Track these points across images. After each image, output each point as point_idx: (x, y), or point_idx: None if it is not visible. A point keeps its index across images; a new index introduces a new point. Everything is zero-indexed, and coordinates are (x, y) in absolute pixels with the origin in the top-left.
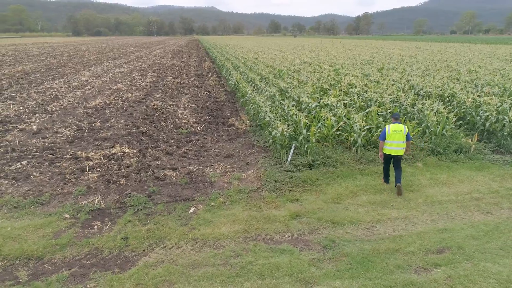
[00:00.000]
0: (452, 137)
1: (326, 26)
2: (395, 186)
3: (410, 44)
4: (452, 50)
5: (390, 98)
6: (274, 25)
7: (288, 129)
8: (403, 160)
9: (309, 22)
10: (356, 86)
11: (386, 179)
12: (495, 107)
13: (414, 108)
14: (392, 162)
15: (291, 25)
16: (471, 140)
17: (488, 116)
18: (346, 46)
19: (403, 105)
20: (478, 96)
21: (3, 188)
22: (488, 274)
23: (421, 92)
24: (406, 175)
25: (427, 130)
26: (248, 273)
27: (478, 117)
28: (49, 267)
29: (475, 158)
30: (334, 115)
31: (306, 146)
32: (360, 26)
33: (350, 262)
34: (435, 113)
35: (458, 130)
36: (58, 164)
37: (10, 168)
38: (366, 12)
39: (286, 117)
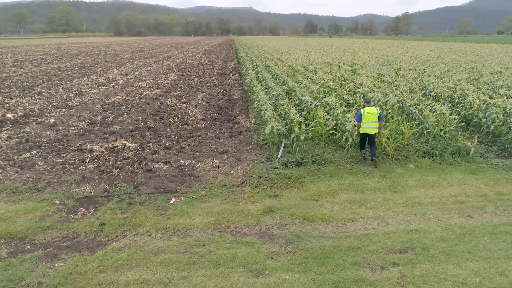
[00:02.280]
0: (451, 139)
1: (363, 27)
2: (371, 160)
3: (446, 45)
4: (487, 51)
5: (396, 98)
6: (310, 26)
7: (283, 127)
8: (396, 160)
9: (347, 22)
10: (364, 86)
11: (362, 149)
12: (503, 109)
13: (415, 109)
14: (367, 140)
15: (328, 25)
16: (471, 143)
17: (494, 118)
18: (376, 47)
19: (406, 105)
20: (490, 97)
21: (8, 174)
22: (445, 276)
23: (432, 93)
24: (395, 176)
25: (424, 131)
26: (205, 261)
27: (484, 120)
28: (28, 247)
29: (473, 161)
30: (332, 114)
31: (295, 144)
32: (399, 27)
33: (307, 257)
34: (437, 114)
35: (460, 132)
36: (63, 155)
37: (19, 157)
38: (406, 12)
39: (284, 116)
